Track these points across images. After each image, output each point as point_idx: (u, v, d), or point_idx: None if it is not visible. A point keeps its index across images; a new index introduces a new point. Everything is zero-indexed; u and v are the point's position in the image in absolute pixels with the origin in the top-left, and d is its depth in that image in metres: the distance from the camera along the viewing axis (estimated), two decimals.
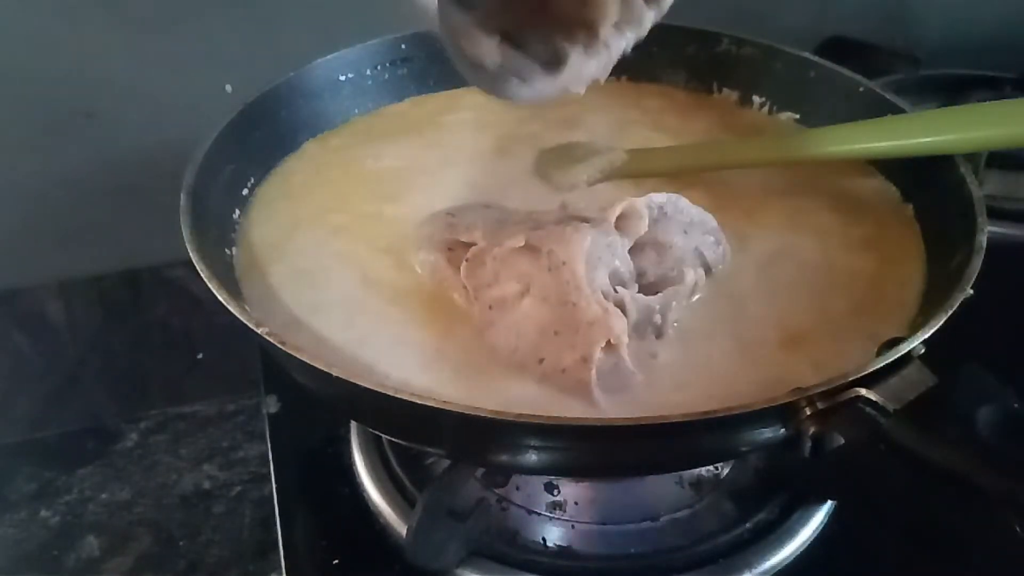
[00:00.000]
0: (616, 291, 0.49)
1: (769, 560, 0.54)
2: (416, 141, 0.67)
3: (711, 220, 0.55)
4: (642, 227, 0.51)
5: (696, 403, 0.40)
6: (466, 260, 0.51)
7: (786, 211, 0.60)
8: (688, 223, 0.54)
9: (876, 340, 0.44)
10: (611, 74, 0.49)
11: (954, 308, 0.44)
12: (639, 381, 0.47)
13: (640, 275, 0.52)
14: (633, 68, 0.76)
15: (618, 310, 0.47)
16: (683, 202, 0.55)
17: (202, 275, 0.45)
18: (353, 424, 0.63)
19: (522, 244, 0.50)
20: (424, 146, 0.67)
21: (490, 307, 0.50)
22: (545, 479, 0.58)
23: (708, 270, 0.54)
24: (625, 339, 0.46)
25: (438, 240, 0.55)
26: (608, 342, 0.46)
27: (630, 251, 0.52)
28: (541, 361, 0.47)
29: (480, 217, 0.56)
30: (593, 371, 0.45)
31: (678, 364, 0.48)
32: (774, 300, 0.52)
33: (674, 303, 0.50)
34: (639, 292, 0.50)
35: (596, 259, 0.49)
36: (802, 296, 0.53)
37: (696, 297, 0.52)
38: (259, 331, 0.42)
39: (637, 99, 0.74)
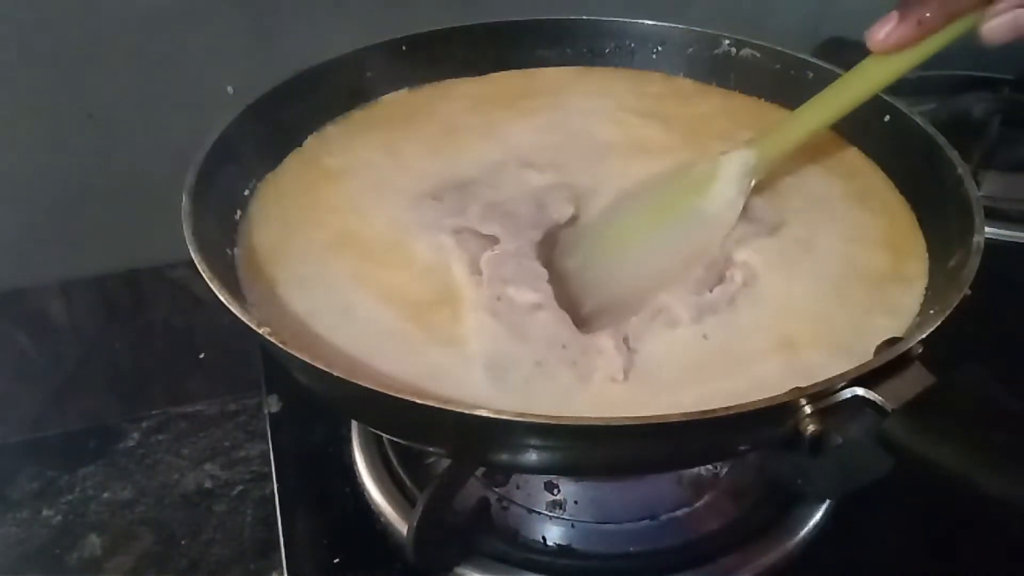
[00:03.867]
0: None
1: (768, 559, 0.54)
2: (414, 140, 0.67)
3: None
4: None
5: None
6: (490, 253, 0.52)
7: (795, 218, 0.59)
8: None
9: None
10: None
11: (953, 308, 0.44)
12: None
13: None
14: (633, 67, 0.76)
15: (624, 347, 0.48)
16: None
17: (203, 275, 0.45)
18: (354, 424, 0.63)
19: (548, 278, 0.51)
20: (423, 147, 0.67)
21: (499, 299, 0.50)
22: (545, 478, 0.58)
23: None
24: (621, 376, 0.46)
25: (445, 224, 0.55)
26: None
27: None
28: (538, 364, 0.47)
29: (474, 200, 0.58)
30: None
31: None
32: (784, 304, 0.51)
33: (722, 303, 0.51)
34: None
35: None
36: (812, 301, 0.52)
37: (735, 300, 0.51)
38: (260, 331, 0.42)
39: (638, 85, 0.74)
